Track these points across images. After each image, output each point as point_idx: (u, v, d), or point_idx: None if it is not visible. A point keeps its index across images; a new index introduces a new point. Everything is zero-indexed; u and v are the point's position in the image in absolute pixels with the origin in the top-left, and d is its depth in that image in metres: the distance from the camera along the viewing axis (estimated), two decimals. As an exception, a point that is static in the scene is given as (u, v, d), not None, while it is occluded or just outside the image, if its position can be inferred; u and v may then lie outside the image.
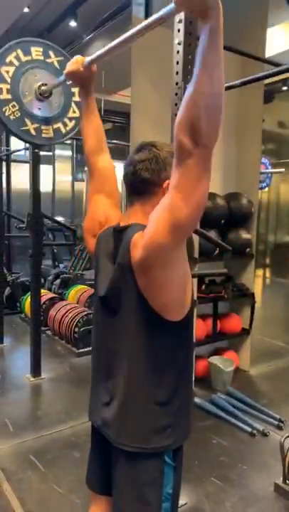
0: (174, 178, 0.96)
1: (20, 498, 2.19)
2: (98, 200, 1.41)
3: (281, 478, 2.27)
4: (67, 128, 2.28)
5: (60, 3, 5.77)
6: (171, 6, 1.00)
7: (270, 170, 5.95)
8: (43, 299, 4.85)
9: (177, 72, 1.93)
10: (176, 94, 1.95)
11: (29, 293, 4.34)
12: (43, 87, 2.16)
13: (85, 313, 4.39)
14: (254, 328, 3.99)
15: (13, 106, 2.13)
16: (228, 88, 1.81)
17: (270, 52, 4.55)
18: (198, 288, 3.43)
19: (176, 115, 1.98)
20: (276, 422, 2.94)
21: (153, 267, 1.05)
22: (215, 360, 3.55)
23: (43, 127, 2.19)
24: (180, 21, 1.90)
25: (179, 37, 1.91)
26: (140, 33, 1.41)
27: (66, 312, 4.51)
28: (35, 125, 2.19)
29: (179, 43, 1.92)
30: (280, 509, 2.19)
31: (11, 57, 2.19)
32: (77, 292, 5.37)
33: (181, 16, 1.90)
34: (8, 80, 2.15)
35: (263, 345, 4.50)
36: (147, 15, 3.70)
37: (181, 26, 1.89)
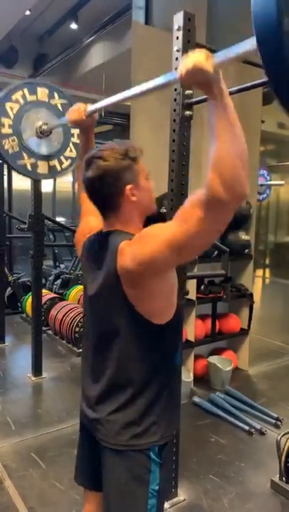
0: (197, 215, 0.97)
1: (22, 494, 2.23)
2: (89, 218, 1.48)
3: (277, 475, 2.32)
4: (63, 166, 2.36)
5: (61, 6, 5.83)
6: (175, 76, 1.04)
7: (270, 182, 5.97)
8: (44, 299, 4.89)
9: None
10: (175, 99, 1.99)
11: (30, 293, 4.38)
12: (43, 126, 2.25)
13: (86, 313, 4.43)
14: (253, 328, 4.04)
15: (13, 140, 2.22)
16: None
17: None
18: (197, 288, 3.47)
19: (174, 120, 2.03)
20: (273, 421, 2.99)
21: (143, 280, 1.10)
22: (214, 359, 3.59)
23: (39, 163, 2.27)
24: (179, 29, 1.94)
25: (177, 44, 1.96)
26: (143, 93, 1.52)
27: (67, 312, 4.56)
28: (32, 160, 2.28)
29: (177, 50, 1.96)
30: (276, 505, 2.23)
31: (17, 96, 2.30)
32: (78, 292, 5.41)
33: (180, 23, 1.94)
34: (12, 116, 2.24)
35: (261, 345, 4.55)
36: (147, 19, 3.75)
37: (180, 34, 1.94)
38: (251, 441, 2.79)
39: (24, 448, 2.66)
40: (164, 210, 2.58)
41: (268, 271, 9.14)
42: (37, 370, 3.71)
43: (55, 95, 2.37)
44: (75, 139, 2.39)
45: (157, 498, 1.20)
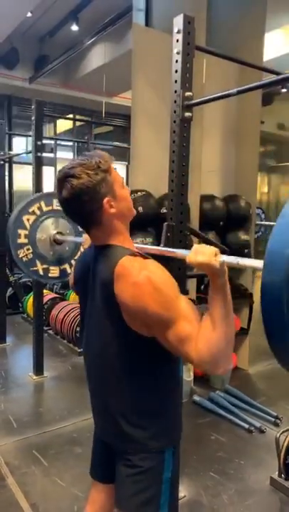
0: (179, 336, 1.09)
1: (25, 491, 2.26)
2: None
3: (277, 473, 2.34)
4: (73, 268, 2.42)
5: (62, 8, 5.86)
6: (186, 254, 1.15)
7: (264, 222, 6.02)
8: (45, 299, 4.92)
9: (176, 81, 2.00)
10: (175, 101, 2.02)
11: (31, 293, 4.41)
12: (57, 236, 2.32)
13: (87, 313, 4.46)
14: (253, 328, 4.06)
15: (28, 249, 2.33)
16: (224, 96, 1.88)
17: (269, 55, 4.63)
18: (197, 288, 3.50)
19: (174, 121, 2.06)
20: (273, 419, 3.01)
21: (139, 319, 1.12)
22: (214, 359, 3.61)
23: (51, 268, 2.36)
24: (178, 32, 1.97)
25: (177, 47, 1.98)
26: (151, 252, 1.63)
27: (68, 312, 4.58)
28: (44, 266, 2.38)
29: (177, 53, 1.99)
30: (275, 502, 2.26)
31: (34, 208, 2.40)
32: (79, 292, 5.43)
33: (180, 26, 1.97)
34: (28, 227, 2.34)
35: (261, 345, 4.54)
36: (148, 21, 3.78)
37: (180, 36, 1.97)
38: (251, 439, 2.82)
39: (26, 446, 2.69)
40: (165, 211, 2.61)
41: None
42: (38, 369, 3.73)
43: None
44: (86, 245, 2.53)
45: (170, 484, 1.26)
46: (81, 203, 1.15)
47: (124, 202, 1.23)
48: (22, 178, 7.30)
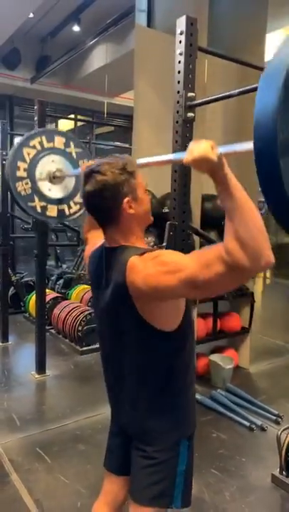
0: (216, 267, 0.98)
1: (28, 487, 2.28)
2: (96, 240, 1.50)
3: (278, 470, 2.36)
4: (71, 210, 2.43)
5: (63, 9, 5.87)
6: (182, 157, 1.10)
7: None
8: (47, 299, 4.94)
9: (179, 81, 2.03)
10: (178, 102, 2.05)
11: (33, 292, 4.44)
12: (57, 173, 2.31)
13: (88, 312, 4.48)
14: (254, 327, 4.08)
15: (26, 183, 2.30)
16: (226, 97, 1.91)
17: (270, 56, 4.65)
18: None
19: (177, 122, 2.08)
20: (274, 417, 3.03)
21: (151, 298, 1.15)
22: (215, 357, 3.64)
23: (49, 206, 2.35)
24: (181, 33, 2.00)
25: (180, 48, 2.01)
26: (149, 165, 1.61)
27: (70, 311, 4.61)
28: (42, 203, 2.35)
29: (180, 54, 2.01)
30: (276, 498, 2.28)
31: (35, 142, 2.38)
32: (80, 292, 5.46)
33: (183, 27, 2.00)
34: (28, 161, 2.32)
35: (262, 344, 4.59)
36: (150, 22, 3.80)
37: (183, 38, 2.00)
38: (252, 436, 2.84)
39: (29, 443, 2.71)
40: (167, 210, 2.63)
41: (269, 271, 9.19)
42: (41, 368, 3.76)
43: (71, 144, 2.45)
44: None
45: (184, 476, 1.29)
46: (102, 198, 1.20)
47: (143, 206, 1.27)
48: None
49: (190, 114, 2.02)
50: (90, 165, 1.26)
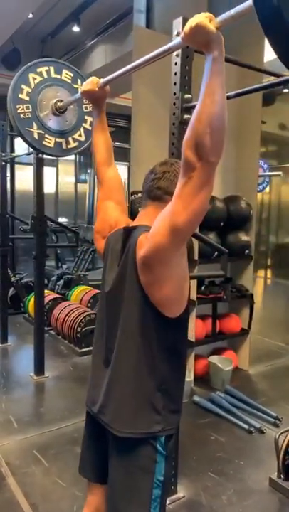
0: (178, 188, 1.06)
1: (25, 491, 2.27)
2: (108, 205, 1.54)
3: (276, 473, 2.35)
4: (69, 146, 2.39)
5: (63, 9, 5.87)
6: (179, 40, 1.12)
7: (267, 173, 6.02)
8: (47, 299, 4.94)
9: (175, 83, 2.02)
10: (174, 103, 2.03)
11: (33, 293, 4.43)
12: (59, 103, 2.29)
13: (88, 313, 4.48)
14: (254, 328, 4.07)
15: (27, 107, 2.26)
16: (223, 99, 1.89)
17: (270, 56, 4.63)
18: (197, 289, 3.51)
19: (174, 124, 2.07)
20: (273, 420, 3.02)
21: (153, 264, 1.16)
22: (214, 359, 3.63)
23: (46, 136, 2.29)
24: (178, 34, 1.98)
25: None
26: (149, 60, 1.54)
27: (69, 312, 4.60)
28: (40, 131, 2.30)
29: (177, 55, 2.00)
30: (274, 502, 2.27)
31: (42, 69, 2.34)
32: (80, 293, 5.46)
33: (179, 28, 1.98)
34: (32, 85, 2.28)
35: (262, 345, 4.58)
36: (148, 22, 3.79)
37: (179, 39, 1.98)
38: (250, 439, 2.83)
39: (27, 446, 2.71)
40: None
41: (269, 271, 9.18)
42: (39, 369, 3.75)
43: (78, 81, 2.41)
44: (87, 125, 2.43)
45: (162, 488, 1.25)
46: (167, 178, 1.30)
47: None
48: (24, 179, 7.32)
49: (186, 116, 2.00)
50: (89, 89, 1.54)
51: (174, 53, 2.01)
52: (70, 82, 2.41)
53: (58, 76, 2.40)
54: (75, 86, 2.40)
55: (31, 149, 2.76)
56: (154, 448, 1.24)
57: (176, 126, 2.04)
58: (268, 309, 6.46)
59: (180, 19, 1.98)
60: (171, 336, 1.26)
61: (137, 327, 1.24)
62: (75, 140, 2.41)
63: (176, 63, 2.00)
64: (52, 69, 2.38)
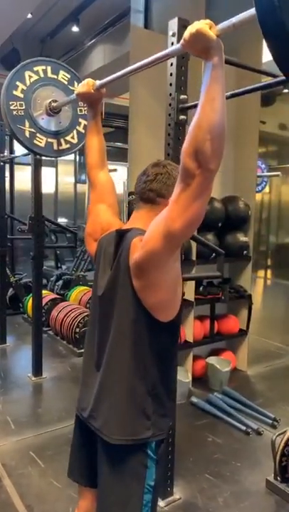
0: (175, 194, 1.05)
1: (20, 492, 2.27)
2: (100, 208, 1.53)
3: (273, 475, 2.34)
4: (60, 147, 2.38)
5: (62, 10, 5.86)
6: (178, 46, 1.12)
7: (266, 173, 6.00)
8: (45, 300, 4.94)
9: (171, 84, 2.01)
10: (170, 104, 2.03)
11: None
12: (53, 103, 2.28)
13: (86, 314, 4.47)
14: (253, 329, 4.06)
15: (21, 105, 2.24)
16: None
17: (268, 57, 4.62)
18: (195, 290, 3.50)
19: (169, 124, 2.06)
20: (270, 421, 3.01)
21: (147, 269, 1.15)
22: (212, 360, 3.62)
23: (38, 135, 2.28)
24: (173, 35, 1.98)
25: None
26: (147, 65, 1.54)
27: (68, 313, 4.59)
28: (32, 130, 2.29)
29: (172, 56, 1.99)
30: (270, 504, 2.26)
31: (39, 68, 2.33)
32: (79, 293, 5.45)
33: (175, 29, 1.98)
34: (27, 84, 2.27)
35: (261, 346, 4.57)
36: (147, 23, 3.78)
37: (175, 40, 1.97)
38: (248, 441, 2.82)
39: (23, 447, 2.70)
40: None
41: (269, 272, 9.16)
42: (37, 370, 3.75)
43: (75, 83, 2.40)
44: (81, 128, 2.42)
45: (152, 493, 1.24)
46: (160, 180, 1.29)
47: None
48: (24, 179, 7.31)
49: (182, 117, 2.00)
50: (84, 91, 1.56)
51: (170, 54, 2.00)
52: (66, 83, 2.40)
53: (55, 76, 2.40)
54: (71, 88, 2.40)
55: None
56: (145, 453, 1.23)
57: (172, 127, 2.03)
58: (267, 310, 6.45)
59: (176, 19, 1.97)
60: (164, 340, 1.26)
61: (129, 331, 1.23)
62: (67, 142, 2.40)
63: (171, 64, 2.00)
64: (49, 69, 2.37)
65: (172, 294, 1.22)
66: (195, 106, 2.01)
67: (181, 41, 1.06)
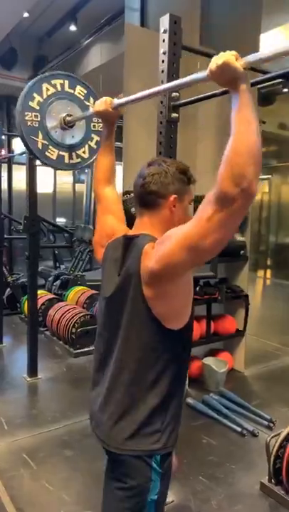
0: (206, 212, 1.00)
1: (11, 495, 2.24)
2: (106, 218, 1.53)
3: (267, 477, 2.31)
4: (71, 161, 2.39)
5: (59, 8, 5.84)
6: (204, 75, 1.12)
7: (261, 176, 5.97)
8: (42, 300, 4.92)
9: (162, 81, 1.98)
10: (162, 102, 2.00)
11: (28, 294, 4.39)
12: (68, 118, 2.29)
13: (83, 314, 4.45)
14: (251, 329, 4.03)
15: (36, 116, 2.26)
16: (209, 97, 1.85)
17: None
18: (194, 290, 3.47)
19: (161, 123, 2.03)
20: (266, 423, 2.98)
21: (162, 280, 1.12)
22: (208, 361, 3.59)
23: (50, 147, 2.30)
24: (165, 31, 1.95)
25: (163, 47, 1.96)
26: (170, 89, 1.64)
27: (64, 313, 4.57)
28: (45, 142, 2.30)
29: (164, 53, 1.97)
30: (264, 507, 2.23)
31: (57, 82, 2.35)
32: (77, 293, 5.42)
33: (166, 26, 1.95)
34: (44, 96, 2.29)
35: (258, 347, 4.54)
36: (143, 21, 3.75)
37: (166, 36, 1.95)
38: (243, 442, 2.79)
39: (16, 448, 2.67)
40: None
41: (268, 271, 9.13)
42: (32, 370, 3.72)
43: (91, 99, 2.43)
44: (93, 144, 2.45)
45: (155, 507, 1.22)
46: (157, 181, 1.25)
47: (183, 213, 1.29)
48: (22, 179, 7.30)
49: (174, 115, 1.97)
50: (102, 110, 1.58)
51: (161, 51, 1.98)
52: (82, 98, 2.43)
53: (72, 91, 2.42)
54: (87, 103, 2.42)
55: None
56: (150, 466, 1.20)
57: (163, 125, 2.00)
58: (266, 310, 6.41)
59: (167, 16, 1.95)
60: (174, 349, 1.22)
61: (138, 339, 1.20)
62: (78, 156, 2.42)
63: (163, 61, 1.97)
64: (66, 83, 2.40)
65: (184, 304, 1.20)
66: (186, 103, 2.00)
67: (207, 71, 1.06)
